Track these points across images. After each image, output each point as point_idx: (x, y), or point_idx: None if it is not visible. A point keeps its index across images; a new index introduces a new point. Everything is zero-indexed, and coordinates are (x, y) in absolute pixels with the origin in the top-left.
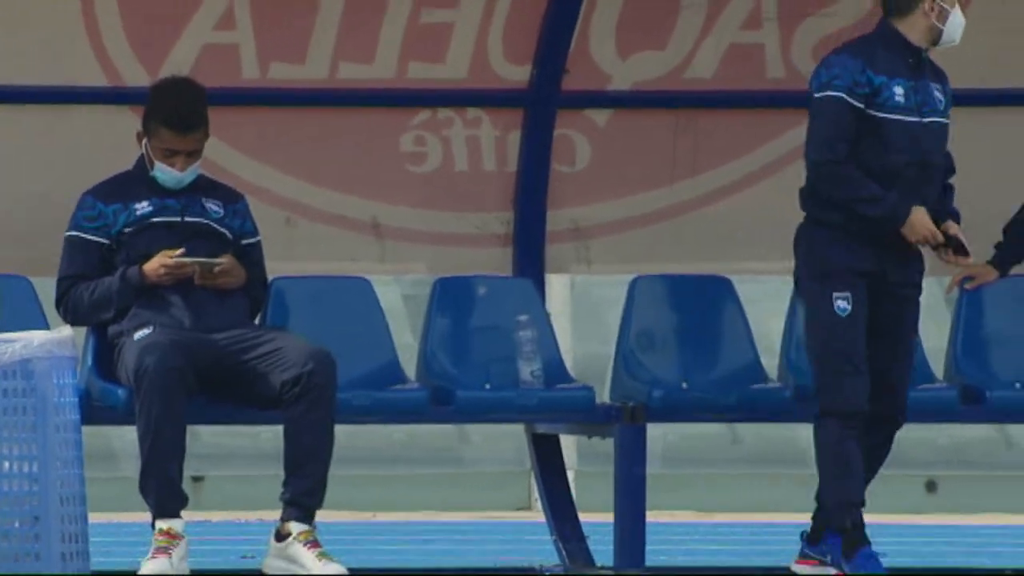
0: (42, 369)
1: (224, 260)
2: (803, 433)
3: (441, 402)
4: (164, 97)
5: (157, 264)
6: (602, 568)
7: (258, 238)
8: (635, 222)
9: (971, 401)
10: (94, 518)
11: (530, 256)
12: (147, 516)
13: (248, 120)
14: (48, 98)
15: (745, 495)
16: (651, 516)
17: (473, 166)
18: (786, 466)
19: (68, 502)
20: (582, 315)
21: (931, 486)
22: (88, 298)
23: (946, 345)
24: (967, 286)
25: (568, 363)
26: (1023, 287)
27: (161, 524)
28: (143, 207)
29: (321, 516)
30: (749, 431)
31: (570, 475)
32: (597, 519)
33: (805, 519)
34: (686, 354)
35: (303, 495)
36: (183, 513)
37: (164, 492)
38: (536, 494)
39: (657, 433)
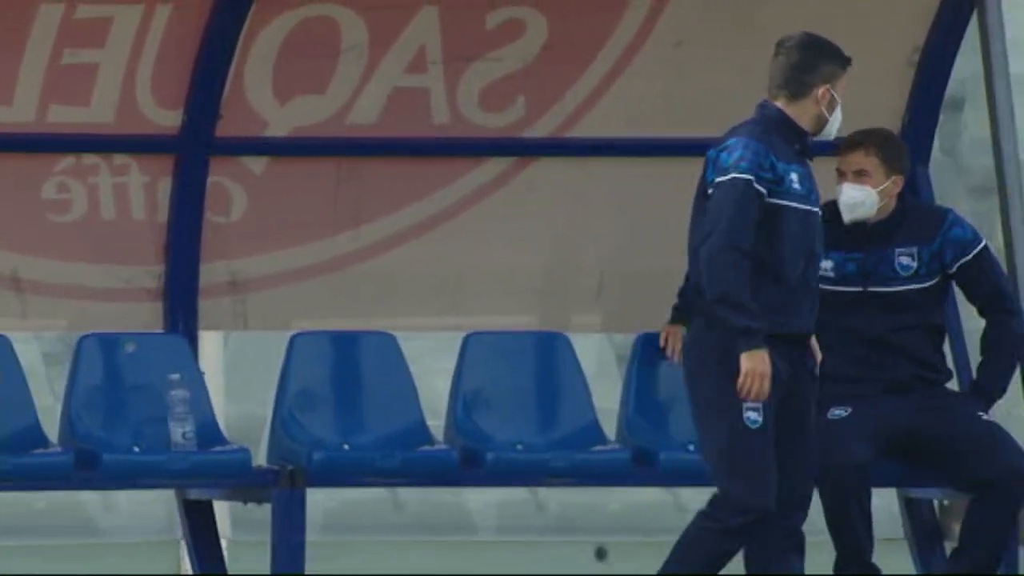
0: None
1: None
2: (470, 498)
3: (86, 466)
4: None
5: None
6: None
7: None
8: (294, 275)
9: (643, 463)
10: None
11: (182, 311)
12: None
13: None
14: None
15: (408, 563)
16: None
17: (121, 215)
18: (451, 532)
19: None
20: (237, 373)
21: (601, 553)
22: None
23: (618, 405)
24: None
25: (222, 424)
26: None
27: None
28: None
29: None
30: (413, 496)
31: (224, 544)
32: None
33: None
34: (348, 414)
35: None
36: None
37: None
38: (187, 566)
39: (317, 498)
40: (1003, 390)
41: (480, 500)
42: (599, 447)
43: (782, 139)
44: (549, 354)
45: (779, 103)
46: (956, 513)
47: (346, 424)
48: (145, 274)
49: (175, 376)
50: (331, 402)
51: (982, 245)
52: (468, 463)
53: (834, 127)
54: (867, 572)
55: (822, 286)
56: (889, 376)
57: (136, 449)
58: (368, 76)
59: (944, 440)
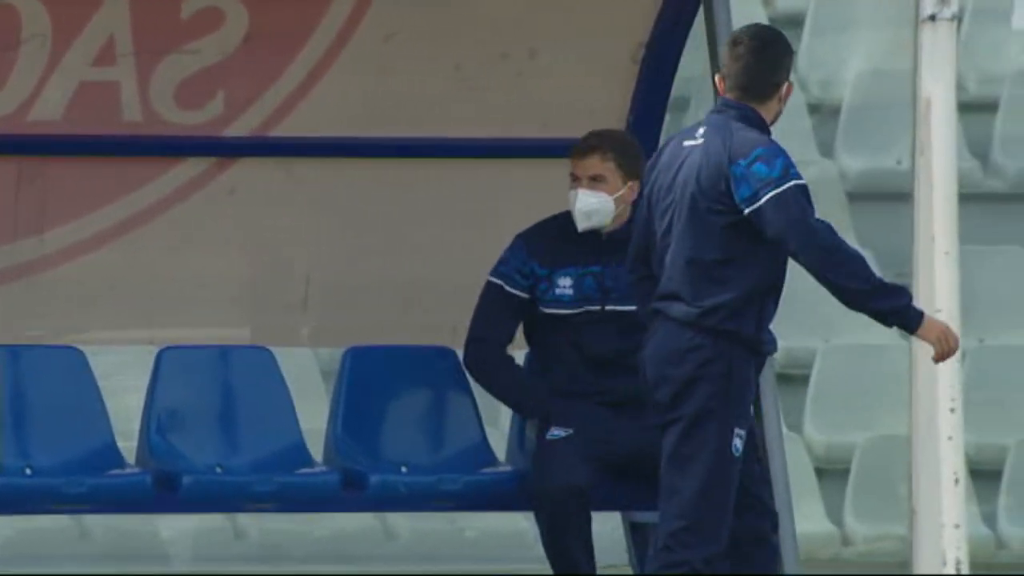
0: None
1: None
2: (163, 525)
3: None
4: None
5: None
6: None
7: None
8: None
9: (353, 487)
10: None
11: None
12: None
13: None
14: None
15: None
16: None
17: None
18: (142, 563)
19: None
20: None
21: None
22: None
23: (325, 425)
24: None
25: None
26: (406, 358)
27: None
28: None
29: None
30: (100, 523)
31: None
32: None
33: None
34: (30, 436)
35: None
36: None
37: None
38: None
39: None
40: None
41: (174, 528)
42: (305, 470)
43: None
44: (251, 370)
45: (751, 102)
46: None
47: (28, 447)
48: None
49: None
50: (9, 423)
51: None
52: (162, 488)
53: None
54: None
55: (558, 310)
56: (618, 395)
57: None
58: (51, 69)
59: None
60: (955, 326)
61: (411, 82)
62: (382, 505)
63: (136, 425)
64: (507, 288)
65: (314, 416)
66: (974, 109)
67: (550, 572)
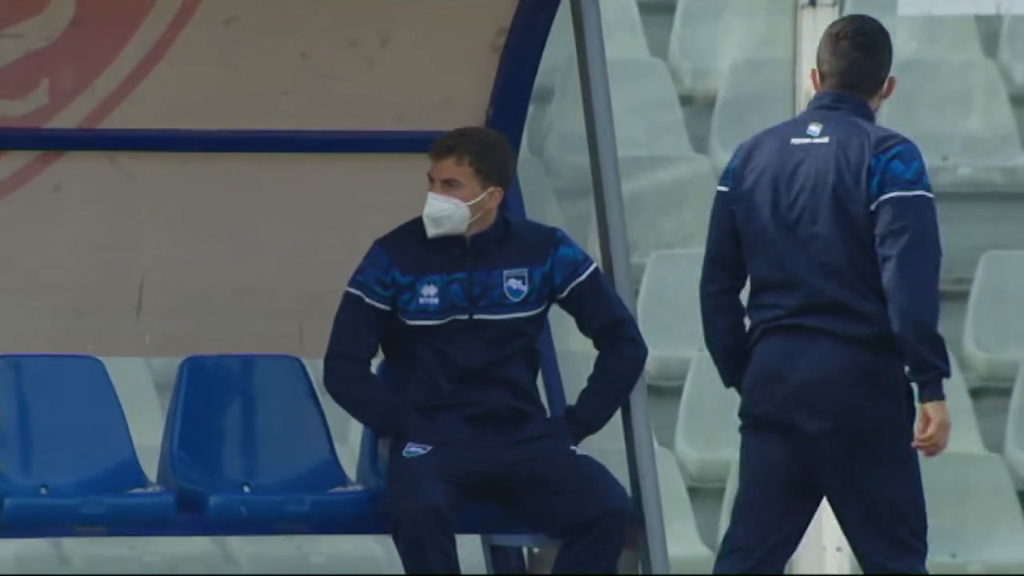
0: None
1: None
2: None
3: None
4: None
5: None
6: None
7: None
8: None
9: (190, 509)
10: None
11: None
12: None
13: None
14: None
15: None
16: None
17: None
18: None
19: None
20: None
21: None
22: None
23: (160, 442)
24: None
25: None
26: (249, 368)
27: None
28: None
29: None
30: None
31: None
32: None
33: None
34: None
35: None
36: None
37: None
38: None
39: None
40: (602, 423)
41: None
42: (137, 490)
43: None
44: (78, 381)
45: (866, 99)
46: (548, 562)
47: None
48: None
49: None
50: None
51: (593, 266)
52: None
53: None
54: None
55: (423, 321)
56: (483, 408)
57: None
58: None
59: (535, 479)
60: None
61: (254, 71)
62: (222, 528)
63: None
64: (366, 300)
65: (148, 432)
66: None
67: None
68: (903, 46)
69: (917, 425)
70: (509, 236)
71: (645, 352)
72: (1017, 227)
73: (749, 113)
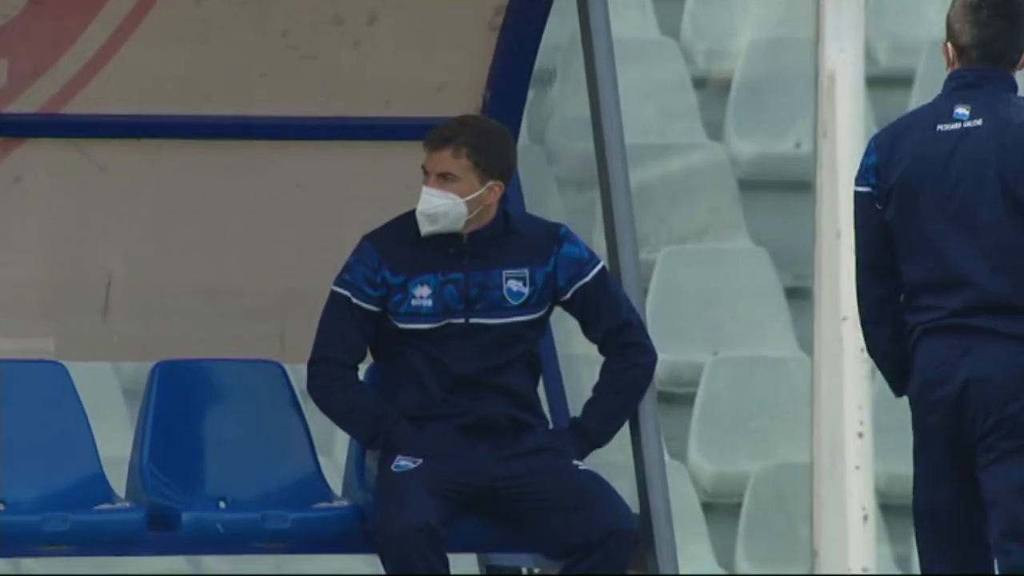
0: None
1: None
2: None
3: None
4: None
5: None
6: None
7: None
8: None
9: (162, 526)
10: None
11: None
12: None
13: None
14: None
15: None
16: None
17: None
18: None
19: None
20: None
21: None
22: None
23: (129, 454)
24: None
25: None
26: (225, 373)
27: None
28: None
29: None
30: None
31: None
32: None
33: None
34: None
35: None
36: None
37: None
38: None
39: None
40: (610, 435)
41: None
42: (105, 506)
43: None
44: (40, 388)
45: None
46: None
47: None
48: None
49: None
50: None
51: (600, 265)
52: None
53: None
54: None
55: (415, 324)
56: (477, 418)
57: None
58: None
59: (534, 495)
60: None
61: (229, 51)
62: (196, 547)
63: None
64: (354, 300)
65: (116, 443)
66: (885, 84)
67: None
68: (933, 24)
69: None
70: (509, 233)
71: (655, 357)
72: None
73: (768, 97)
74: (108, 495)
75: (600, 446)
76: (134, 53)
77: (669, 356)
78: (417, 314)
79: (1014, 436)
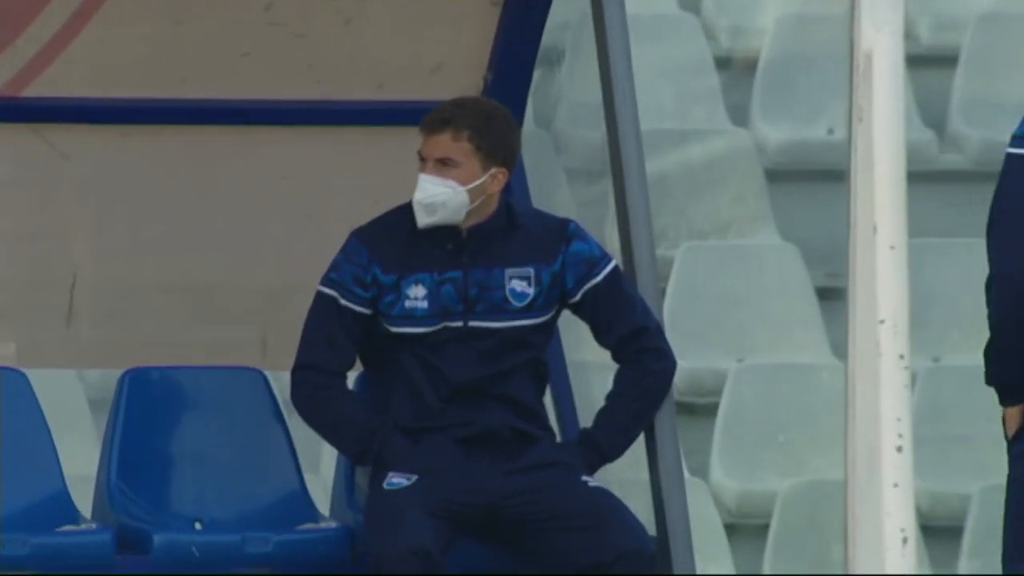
0: None
1: None
2: None
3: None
4: None
5: None
6: None
7: None
8: None
9: (132, 548)
10: None
11: None
12: None
13: None
14: None
15: None
16: None
17: None
18: None
19: None
20: None
21: None
22: None
23: (96, 470)
24: None
25: None
26: (201, 382)
27: None
28: None
29: None
30: None
31: None
32: None
33: None
34: None
35: None
36: None
37: None
38: None
39: None
40: (622, 449)
41: None
42: (69, 527)
43: None
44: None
45: None
46: None
47: None
48: None
49: None
50: None
51: (613, 264)
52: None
53: None
54: None
55: (409, 328)
56: (475, 431)
57: None
58: None
59: (540, 514)
60: (902, 341)
61: (207, 28)
62: (169, 572)
63: None
64: (342, 302)
65: (81, 459)
66: (927, 63)
67: None
68: None
69: None
70: (513, 228)
71: (674, 363)
72: None
73: (797, 78)
74: (72, 515)
75: (612, 460)
76: (100, 30)
77: (689, 363)
78: (411, 316)
79: None
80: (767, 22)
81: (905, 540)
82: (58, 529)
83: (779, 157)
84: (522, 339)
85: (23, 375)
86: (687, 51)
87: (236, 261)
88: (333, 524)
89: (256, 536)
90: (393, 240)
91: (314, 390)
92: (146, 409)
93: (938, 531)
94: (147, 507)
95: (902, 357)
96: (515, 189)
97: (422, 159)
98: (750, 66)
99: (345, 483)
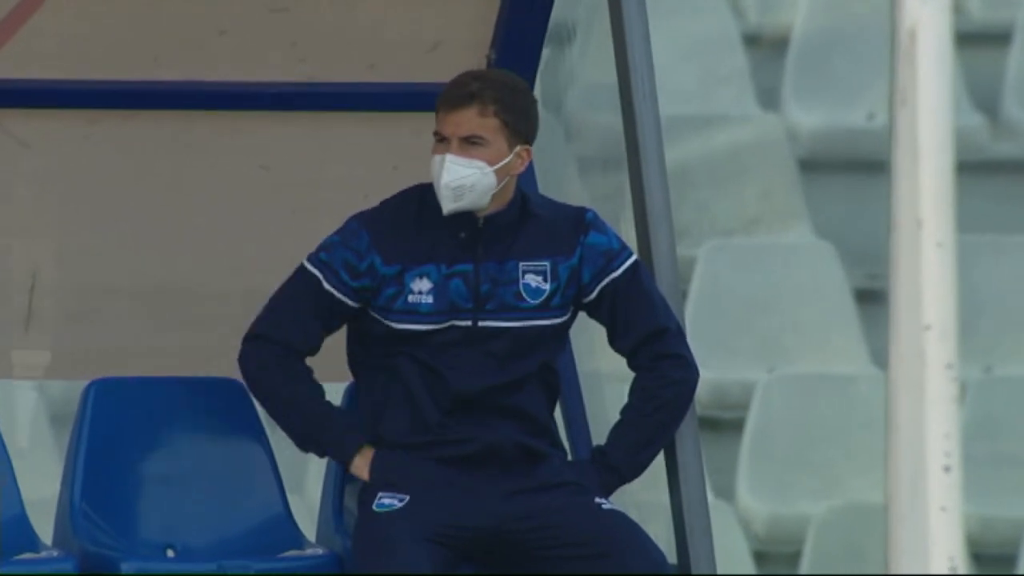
0: None
1: None
2: None
3: None
4: None
5: None
6: None
7: None
8: None
9: None
10: None
11: None
12: None
13: None
14: None
15: None
16: None
17: None
18: None
19: None
20: None
21: None
22: None
23: (57, 492)
24: None
25: None
26: (173, 394)
27: None
28: None
29: None
30: None
31: None
32: None
33: None
34: None
35: None
36: None
37: None
38: None
39: None
40: (641, 468)
41: None
42: (29, 555)
43: None
44: None
45: None
46: None
47: None
48: None
49: None
50: None
51: (633, 259)
52: None
53: None
54: None
55: (412, 324)
56: (477, 447)
57: None
58: None
59: (550, 540)
60: (950, 349)
61: (180, 3)
62: None
63: None
64: (325, 285)
65: (41, 479)
66: (978, 41)
67: None
68: None
69: None
70: (527, 217)
71: (696, 373)
72: None
73: (834, 58)
74: (32, 542)
75: (629, 480)
76: (63, 5)
77: (714, 373)
78: (415, 312)
79: None
80: None
81: (953, 569)
82: (16, 558)
83: (813, 145)
84: (534, 343)
85: None
86: (712, 27)
87: (213, 261)
88: (320, 551)
89: (235, 564)
90: (398, 228)
91: (274, 361)
92: (113, 424)
93: (989, 560)
94: (114, 533)
95: (950, 367)
96: (523, 179)
97: (441, 139)
98: (781, 44)
99: (333, 505)
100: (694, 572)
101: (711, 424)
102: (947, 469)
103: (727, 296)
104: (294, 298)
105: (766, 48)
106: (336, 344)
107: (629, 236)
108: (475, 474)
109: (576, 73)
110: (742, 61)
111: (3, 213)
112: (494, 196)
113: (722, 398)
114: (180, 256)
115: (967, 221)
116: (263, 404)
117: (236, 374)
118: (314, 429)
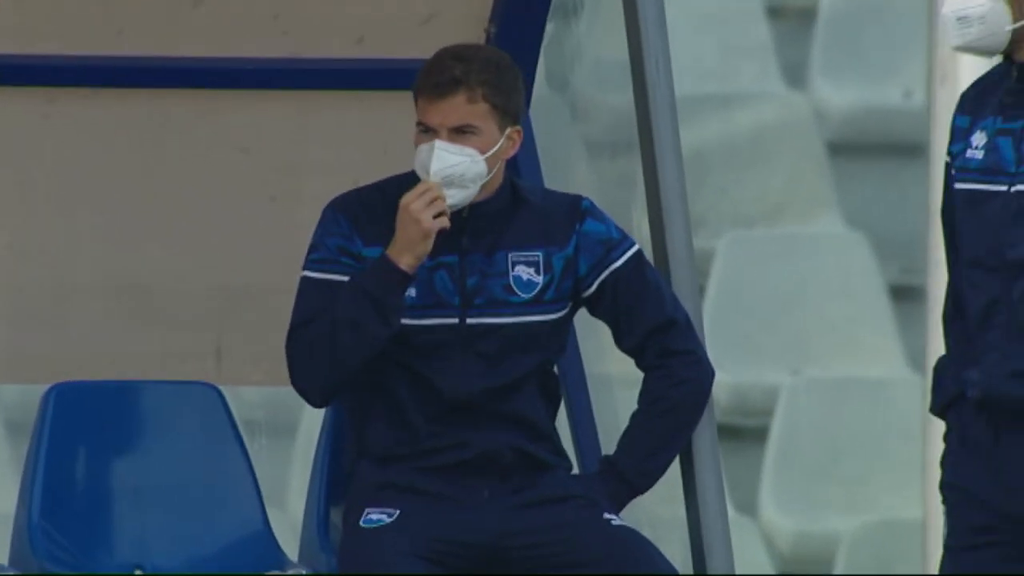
0: None
1: None
2: None
3: None
4: None
5: None
6: None
7: None
8: None
9: None
10: None
11: None
12: None
13: None
14: None
15: None
16: None
17: None
18: None
19: None
20: None
21: None
22: None
23: (15, 506)
24: None
25: None
26: (143, 400)
27: None
28: None
29: None
30: None
31: None
32: None
33: None
34: None
35: None
36: None
37: None
38: None
39: None
40: (653, 478)
41: None
42: None
43: None
44: None
45: None
46: None
47: None
48: None
49: None
50: None
51: (635, 248)
52: None
53: None
54: None
55: (405, 321)
56: (472, 454)
57: None
58: None
59: (555, 558)
60: None
61: None
62: None
63: None
64: (335, 278)
65: None
66: None
67: None
68: None
69: None
70: (517, 205)
71: (711, 372)
72: None
73: (865, 30)
74: None
75: (641, 492)
76: None
77: (733, 376)
78: None
79: None
80: None
81: None
82: None
83: (844, 127)
84: (529, 340)
85: None
86: None
87: (186, 255)
88: (303, 571)
89: None
90: (375, 215)
91: (315, 335)
92: (75, 433)
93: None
94: (77, 551)
95: None
96: (524, 165)
97: (426, 129)
98: (808, 15)
99: (318, 521)
100: None
101: (731, 432)
102: None
103: (749, 292)
104: (315, 297)
105: (792, 19)
106: None
107: (641, 226)
108: (471, 484)
109: (583, 48)
110: (765, 34)
111: None
112: (483, 185)
113: (743, 404)
114: (150, 249)
115: None
116: (333, 361)
117: (212, 378)
118: (360, 303)
